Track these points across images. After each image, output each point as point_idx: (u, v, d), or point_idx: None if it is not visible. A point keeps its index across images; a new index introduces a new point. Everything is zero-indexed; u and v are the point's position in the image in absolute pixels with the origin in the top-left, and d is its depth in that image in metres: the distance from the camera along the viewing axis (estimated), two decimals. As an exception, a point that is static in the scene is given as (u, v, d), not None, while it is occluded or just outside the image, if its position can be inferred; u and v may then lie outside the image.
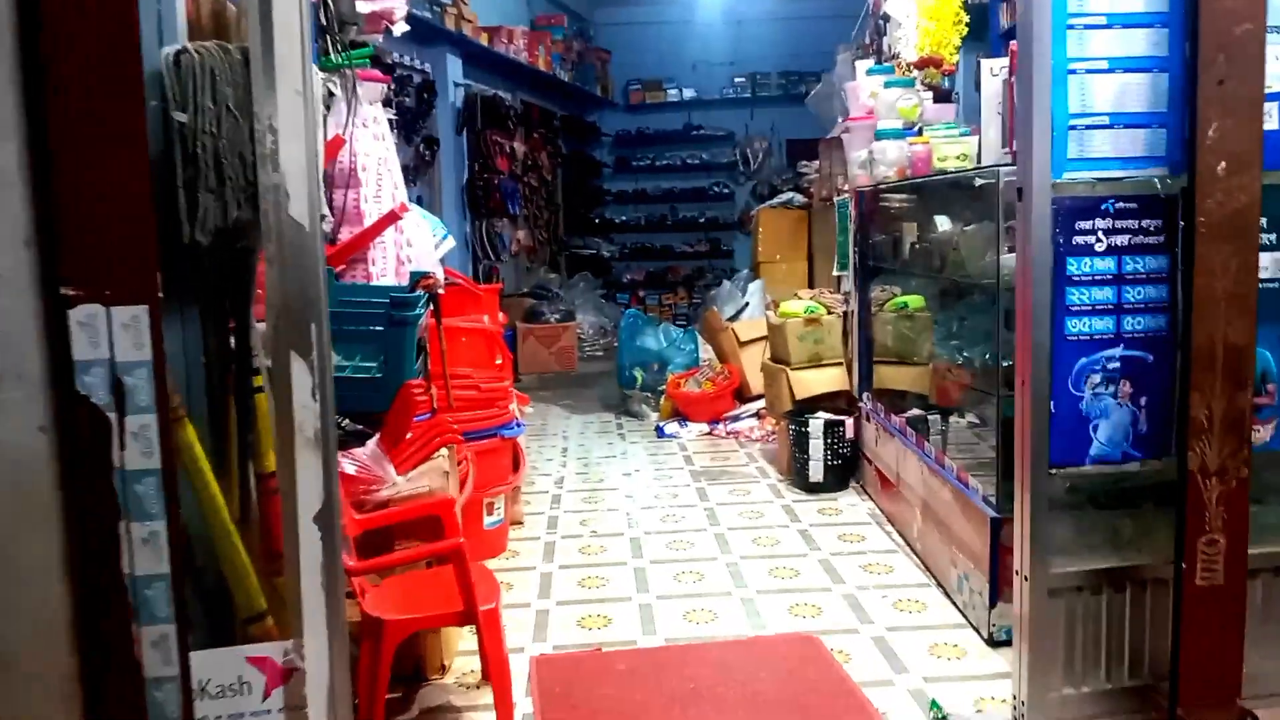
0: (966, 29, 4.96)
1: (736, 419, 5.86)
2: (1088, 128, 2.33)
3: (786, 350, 4.79)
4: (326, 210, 2.52)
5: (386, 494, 2.71)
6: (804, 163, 8.39)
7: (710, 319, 6.41)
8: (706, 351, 6.63)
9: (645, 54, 12.16)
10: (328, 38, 3.37)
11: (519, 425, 3.89)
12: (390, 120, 4.02)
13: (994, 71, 3.13)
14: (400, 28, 3.91)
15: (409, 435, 2.80)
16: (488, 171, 8.90)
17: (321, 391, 2.10)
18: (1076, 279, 2.35)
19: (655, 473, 5.04)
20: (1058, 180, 2.33)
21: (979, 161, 3.34)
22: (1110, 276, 2.36)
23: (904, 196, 4.19)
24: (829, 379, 4.76)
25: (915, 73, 4.95)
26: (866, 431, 4.49)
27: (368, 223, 3.62)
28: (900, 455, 3.92)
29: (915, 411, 4.42)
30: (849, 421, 4.52)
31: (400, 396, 2.76)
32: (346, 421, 2.77)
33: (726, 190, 12.39)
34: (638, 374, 6.40)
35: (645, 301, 12.24)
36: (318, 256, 2.08)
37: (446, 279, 4.19)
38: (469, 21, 7.42)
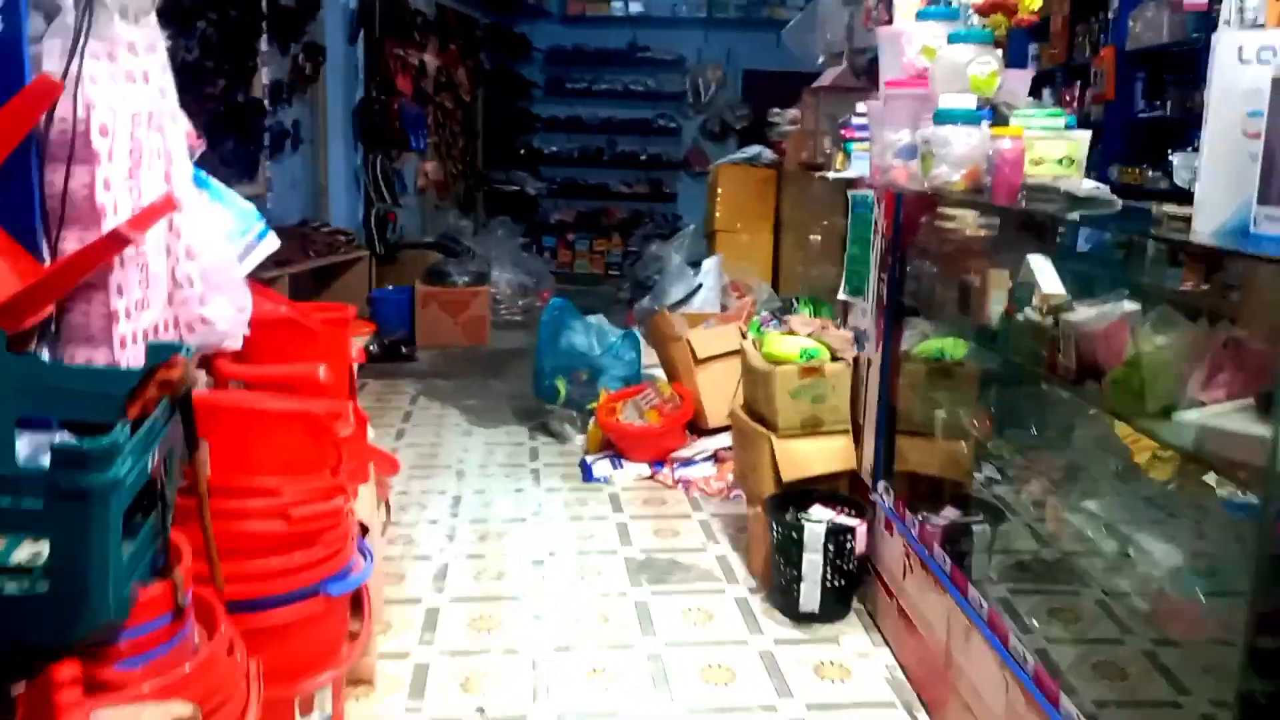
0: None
1: (689, 463, 4.45)
2: None
3: (771, 407, 3.37)
4: None
5: None
6: (776, 110, 6.86)
7: (659, 323, 4.94)
8: (649, 356, 5.19)
9: (588, -44, 10.41)
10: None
11: (367, 561, 2.42)
12: (179, 51, 2.42)
13: (1247, 55, 1.70)
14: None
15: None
16: (386, 92, 7.22)
17: None
18: None
19: (578, 559, 3.62)
20: None
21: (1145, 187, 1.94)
22: None
23: (987, 221, 2.75)
24: (831, 454, 3.36)
25: (976, 20, 3.48)
26: (886, 546, 3.13)
27: (111, 225, 2.10)
28: (955, 624, 2.56)
29: (952, 514, 3.13)
30: (860, 529, 3.14)
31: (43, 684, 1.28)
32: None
33: (673, 125, 10.82)
34: (560, 385, 4.92)
35: (575, 246, 10.70)
36: None
37: (268, 308, 2.66)
38: (360, -102, 5.68)
